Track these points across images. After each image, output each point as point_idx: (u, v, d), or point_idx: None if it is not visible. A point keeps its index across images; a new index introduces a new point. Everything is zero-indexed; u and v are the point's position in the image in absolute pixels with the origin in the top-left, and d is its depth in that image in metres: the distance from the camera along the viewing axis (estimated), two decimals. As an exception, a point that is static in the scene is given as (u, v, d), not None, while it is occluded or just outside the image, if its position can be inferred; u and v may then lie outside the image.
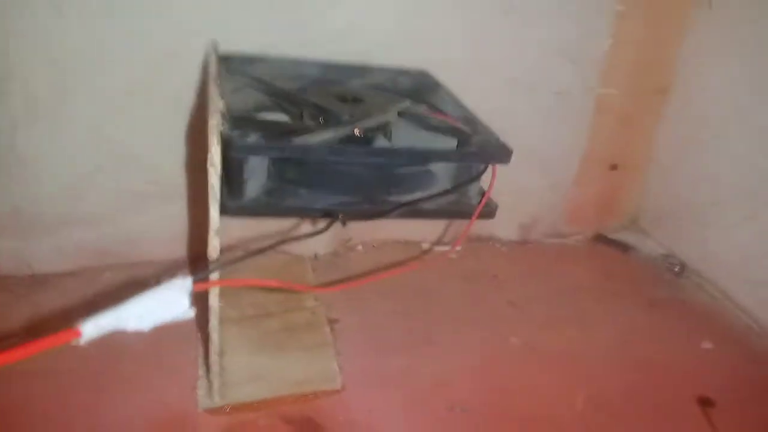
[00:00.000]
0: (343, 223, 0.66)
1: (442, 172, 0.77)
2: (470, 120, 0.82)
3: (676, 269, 1.23)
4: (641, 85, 1.20)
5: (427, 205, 0.73)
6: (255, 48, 0.91)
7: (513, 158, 0.75)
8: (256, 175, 0.68)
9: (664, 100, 1.23)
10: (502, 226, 1.26)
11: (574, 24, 1.10)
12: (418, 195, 0.73)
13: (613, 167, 1.28)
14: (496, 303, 1.08)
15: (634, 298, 1.15)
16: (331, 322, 0.97)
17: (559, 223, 1.30)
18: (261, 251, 0.60)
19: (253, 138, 0.67)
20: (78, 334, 0.41)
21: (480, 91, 0.98)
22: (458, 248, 1.14)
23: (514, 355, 0.96)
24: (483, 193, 0.77)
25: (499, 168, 0.74)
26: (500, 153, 0.74)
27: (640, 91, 1.21)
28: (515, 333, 1.00)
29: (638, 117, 1.24)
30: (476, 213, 0.74)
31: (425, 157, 0.74)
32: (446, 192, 0.74)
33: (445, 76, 0.97)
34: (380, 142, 0.77)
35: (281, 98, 0.83)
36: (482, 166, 0.76)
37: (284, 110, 0.84)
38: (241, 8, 0.90)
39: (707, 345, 1.03)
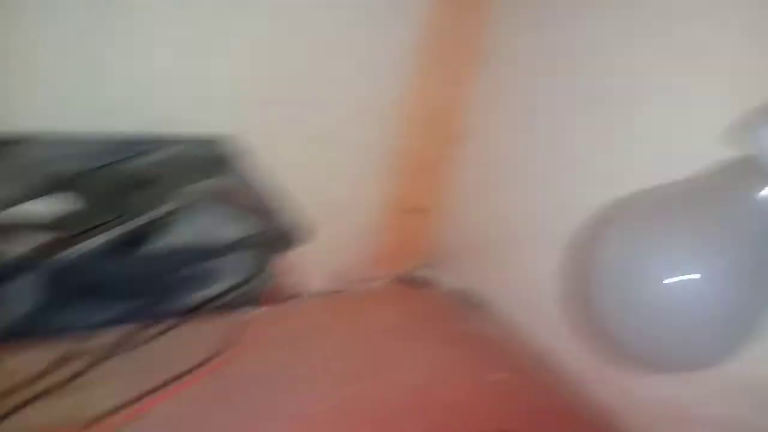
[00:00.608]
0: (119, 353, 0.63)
1: (232, 260, 0.77)
2: (264, 198, 0.83)
3: (474, 304, 1.34)
4: (437, 134, 1.31)
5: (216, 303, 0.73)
6: (26, 125, 0.83)
7: (320, 212, 0.79)
8: (11, 295, 0.63)
9: (458, 148, 1.35)
10: (312, 279, 1.25)
11: (374, 81, 1.17)
12: (204, 293, 0.72)
13: (415, 211, 1.38)
14: (304, 368, 1.05)
15: (434, 337, 1.22)
16: None
17: (365, 269, 1.37)
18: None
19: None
20: None
21: (284, 150, 1.00)
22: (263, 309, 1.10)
23: (322, 422, 0.94)
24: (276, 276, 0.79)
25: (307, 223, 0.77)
26: (284, 241, 0.76)
27: (436, 140, 1.32)
28: (319, 400, 0.97)
29: (436, 164, 1.35)
30: (265, 302, 0.76)
31: (202, 256, 0.73)
32: (232, 289, 0.74)
33: (248, 139, 0.98)
34: (160, 239, 0.74)
35: (51, 189, 0.77)
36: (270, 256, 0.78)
37: (55, 204, 0.78)
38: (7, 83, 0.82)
39: (503, 377, 1.11)
